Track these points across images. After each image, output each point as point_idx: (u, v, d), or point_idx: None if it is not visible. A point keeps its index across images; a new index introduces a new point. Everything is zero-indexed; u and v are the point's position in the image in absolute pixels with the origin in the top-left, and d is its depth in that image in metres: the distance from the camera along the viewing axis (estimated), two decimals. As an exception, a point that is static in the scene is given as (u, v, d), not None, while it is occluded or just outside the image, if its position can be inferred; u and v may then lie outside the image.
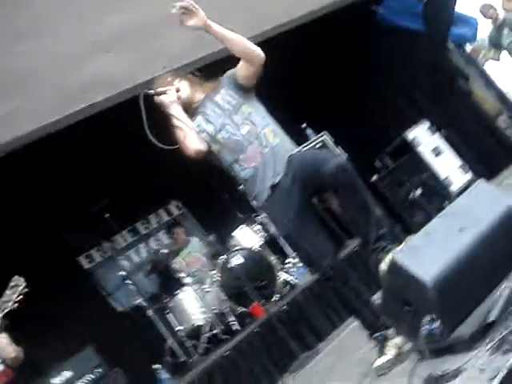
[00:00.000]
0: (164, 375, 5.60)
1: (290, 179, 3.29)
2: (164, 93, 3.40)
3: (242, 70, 3.40)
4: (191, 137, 3.34)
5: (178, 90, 3.45)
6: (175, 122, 3.37)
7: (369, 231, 3.14)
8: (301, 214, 3.29)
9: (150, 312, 6.07)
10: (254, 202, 3.57)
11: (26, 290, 3.44)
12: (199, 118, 3.45)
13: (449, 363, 2.25)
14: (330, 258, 3.28)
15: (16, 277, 3.50)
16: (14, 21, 4.23)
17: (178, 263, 6.65)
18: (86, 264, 7.44)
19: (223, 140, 3.36)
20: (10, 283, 3.46)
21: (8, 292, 3.42)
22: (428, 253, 2.46)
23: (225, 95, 3.44)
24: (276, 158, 3.32)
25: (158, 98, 3.40)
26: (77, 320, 6.40)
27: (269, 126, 3.40)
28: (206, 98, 3.49)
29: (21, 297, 3.40)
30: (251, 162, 3.34)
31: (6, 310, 3.38)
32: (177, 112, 3.39)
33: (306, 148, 6.76)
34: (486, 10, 7.54)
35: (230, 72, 3.48)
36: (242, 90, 3.44)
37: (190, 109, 3.48)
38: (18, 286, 3.45)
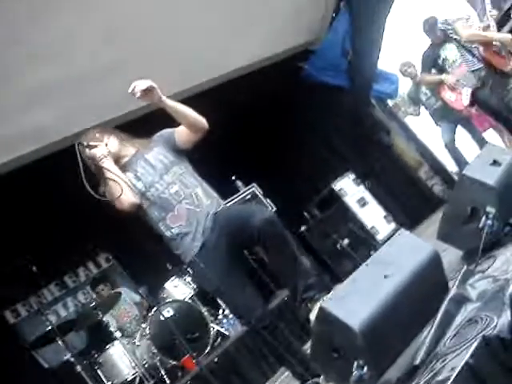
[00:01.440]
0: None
1: (216, 234, 3.35)
2: (95, 146, 3.42)
3: (182, 136, 3.50)
4: (125, 190, 3.33)
5: (106, 144, 3.49)
6: (108, 175, 3.37)
7: (297, 282, 3.21)
8: (228, 269, 3.35)
9: (78, 368, 5.90)
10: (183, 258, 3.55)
11: None
12: (129, 174, 3.48)
13: (378, 407, 2.32)
14: (259, 311, 3.34)
15: None
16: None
17: (107, 317, 6.52)
18: (11, 319, 7.20)
19: (152, 197, 3.41)
20: None
21: None
22: (355, 300, 2.54)
23: (157, 154, 3.50)
24: (204, 218, 3.38)
25: (89, 152, 3.41)
26: (2, 378, 6.16)
27: (199, 187, 3.47)
28: (136, 155, 3.55)
29: None
30: (178, 221, 3.39)
31: None
32: (109, 166, 3.40)
33: (235, 200, 6.88)
34: (404, 69, 7.90)
35: (165, 132, 3.57)
36: (177, 152, 3.52)
37: (119, 164, 3.51)
38: None
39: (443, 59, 6.95)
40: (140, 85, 3.26)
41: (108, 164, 3.41)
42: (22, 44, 4.36)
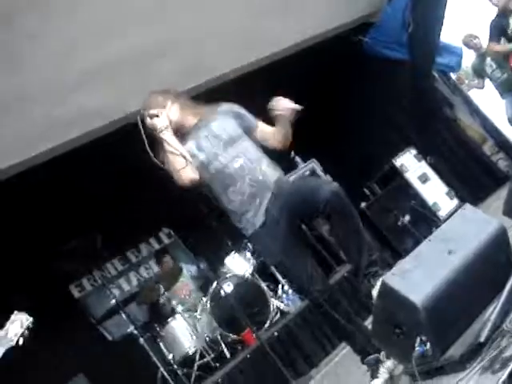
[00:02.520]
0: (156, 404, 5.58)
1: (278, 208, 3.30)
2: (156, 115, 3.33)
3: (263, 137, 3.52)
4: (183, 166, 3.25)
5: (168, 113, 3.39)
6: (167, 148, 3.28)
7: (360, 257, 3.17)
8: (290, 242, 3.31)
9: (141, 341, 6.05)
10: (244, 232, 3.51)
11: (31, 325, 3.29)
12: (190, 144, 3.38)
13: (441, 384, 2.29)
14: (320, 284, 3.31)
15: (18, 312, 3.33)
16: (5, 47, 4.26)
17: (169, 291, 6.63)
18: (76, 293, 7.42)
19: (215, 171, 3.33)
20: (12, 318, 3.28)
21: (10, 326, 3.25)
22: (418, 275, 2.50)
23: (224, 124, 3.42)
24: (267, 194, 3.33)
25: (150, 121, 3.32)
26: (68, 349, 6.36)
27: (264, 162, 3.40)
28: (199, 124, 3.46)
29: (26, 332, 3.24)
30: (240, 195, 3.32)
31: (9, 346, 3.22)
32: (169, 138, 3.30)
33: (293, 176, 6.85)
34: (469, 40, 7.67)
35: (244, 113, 3.52)
36: (248, 132, 3.48)
37: (180, 132, 3.41)
38: (23, 321, 3.26)
39: None
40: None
41: (168, 136, 3.30)
42: (72, 24, 4.39)
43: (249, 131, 3.49)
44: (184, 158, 3.28)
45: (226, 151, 3.34)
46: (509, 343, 2.11)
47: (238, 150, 3.36)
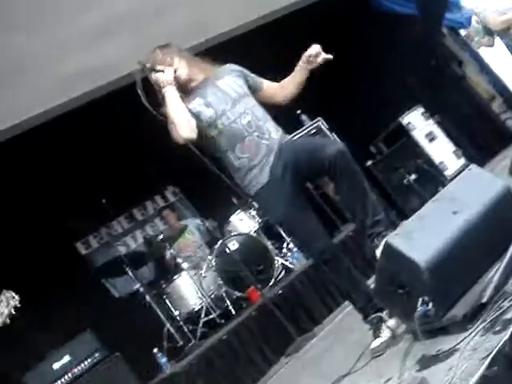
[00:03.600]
0: (163, 359, 5.65)
1: (283, 166, 3.29)
2: (161, 71, 3.31)
3: (271, 94, 3.54)
4: (182, 123, 3.25)
5: (175, 70, 3.37)
6: (169, 103, 3.28)
7: (365, 217, 3.16)
8: (293, 201, 3.31)
9: (147, 298, 6.11)
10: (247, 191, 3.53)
11: (18, 305, 3.23)
12: (198, 100, 3.37)
13: (442, 343, 2.29)
14: (323, 242, 3.32)
15: (6, 291, 3.29)
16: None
17: (174, 248, 6.67)
18: (83, 250, 7.48)
19: (222, 127, 3.32)
20: (1, 297, 3.24)
21: None
22: (422, 236, 2.50)
23: (231, 82, 3.41)
24: (273, 152, 3.33)
25: (154, 76, 3.31)
26: (75, 306, 6.44)
27: (269, 121, 3.41)
28: (206, 81, 3.45)
29: (13, 312, 3.18)
30: (246, 151, 3.32)
31: None
32: (171, 94, 3.29)
33: (300, 134, 6.82)
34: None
35: (248, 73, 3.52)
36: (254, 92, 3.48)
37: (187, 88, 3.41)
38: (9, 300, 3.21)
39: None
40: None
41: (170, 92, 3.30)
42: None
43: (255, 91, 3.49)
44: (184, 114, 3.28)
45: (234, 107, 3.34)
46: (511, 305, 2.11)
47: (246, 106, 3.36)
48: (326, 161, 3.09)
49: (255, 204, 6.52)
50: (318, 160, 3.16)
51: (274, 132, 3.38)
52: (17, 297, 3.20)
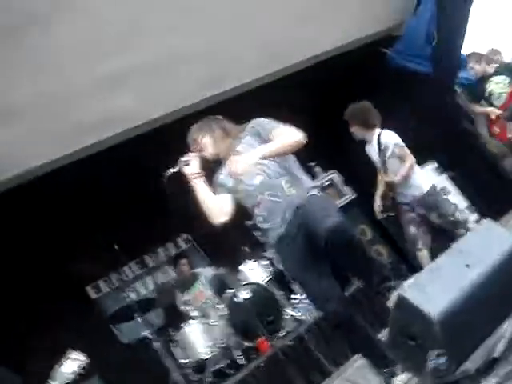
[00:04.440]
0: (169, 408, 5.60)
1: (296, 227, 3.36)
2: (187, 164, 3.54)
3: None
4: (213, 212, 3.52)
5: (201, 150, 3.60)
6: (197, 196, 3.53)
7: (372, 280, 3.22)
8: (305, 261, 3.35)
9: (155, 344, 6.07)
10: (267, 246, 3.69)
11: (86, 365, 3.43)
12: (223, 171, 3.61)
13: (455, 397, 2.29)
14: (337, 303, 3.31)
15: (74, 352, 3.49)
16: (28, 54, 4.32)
17: (184, 296, 6.66)
18: (93, 294, 7.47)
19: (242, 191, 3.51)
20: (69, 355, 3.45)
21: (67, 363, 3.40)
22: (434, 288, 2.51)
23: (247, 144, 3.53)
24: (289, 209, 3.39)
25: (182, 169, 3.56)
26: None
27: (285, 177, 3.46)
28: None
29: (82, 372, 3.39)
30: (261, 211, 3.45)
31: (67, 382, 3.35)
32: (198, 187, 3.54)
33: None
34: (491, 56, 7.64)
35: (260, 125, 3.60)
36: (264, 141, 3.53)
37: (214, 160, 3.66)
38: (78, 360, 3.43)
39: None
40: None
41: (197, 185, 3.55)
42: (100, 28, 4.47)
43: (265, 140, 3.54)
44: (213, 204, 3.54)
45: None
46: (524, 359, 2.11)
47: (259, 167, 3.43)
48: (322, 240, 3.11)
49: (267, 254, 6.55)
50: (316, 236, 3.18)
51: (287, 189, 3.42)
52: (86, 360, 3.43)
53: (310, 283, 3.37)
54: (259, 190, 3.43)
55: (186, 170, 3.54)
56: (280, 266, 5.77)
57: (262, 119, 3.62)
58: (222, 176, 3.62)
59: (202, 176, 3.56)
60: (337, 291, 3.40)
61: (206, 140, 3.64)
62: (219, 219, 3.53)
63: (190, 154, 3.60)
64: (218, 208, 3.53)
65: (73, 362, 3.36)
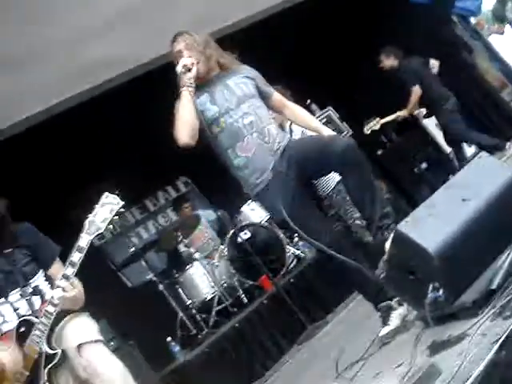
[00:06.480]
0: (176, 348, 5.71)
1: (286, 164, 3.31)
2: (188, 69, 3.32)
3: (276, 107, 3.59)
4: (184, 127, 3.27)
5: (198, 62, 3.39)
6: (180, 104, 3.31)
7: (374, 211, 3.20)
8: (297, 198, 3.31)
9: (160, 287, 6.16)
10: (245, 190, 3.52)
11: (122, 210, 3.10)
12: (205, 97, 3.40)
13: (452, 329, 2.32)
14: (329, 236, 3.31)
15: (109, 194, 3.11)
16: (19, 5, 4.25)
17: (187, 238, 6.70)
18: (96, 241, 7.50)
19: (224, 124, 3.34)
20: (102, 200, 3.08)
21: (100, 210, 3.05)
22: (431, 223, 2.52)
23: (240, 81, 3.44)
24: (275, 154, 3.33)
25: (179, 71, 3.34)
26: (89, 296, 6.48)
27: (273, 124, 3.44)
28: (216, 78, 3.48)
29: (116, 218, 3.05)
30: (245, 151, 3.33)
31: (100, 231, 3.06)
32: (186, 97, 3.30)
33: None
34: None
35: (262, 82, 3.55)
36: (262, 97, 3.49)
37: (199, 81, 3.40)
38: (113, 204, 3.06)
39: None
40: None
41: (185, 95, 3.30)
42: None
43: (263, 97, 3.51)
44: (190, 120, 3.29)
45: (239, 107, 3.36)
46: (520, 291, 2.14)
47: (250, 107, 3.37)
48: (334, 157, 3.12)
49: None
50: (325, 157, 3.19)
51: (276, 134, 3.39)
52: (122, 202, 3.08)
53: (302, 221, 3.29)
54: (248, 130, 3.32)
55: (184, 77, 3.32)
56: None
57: (260, 75, 3.56)
58: (206, 102, 3.39)
59: (194, 89, 3.34)
60: (329, 227, 3.51)
61: (202, 56, 3.43)
62: (187, 140, 3.28)
63: (193, 59, 3.37)
64: (191, 129, 3.29)
65: (104, 208, 3.03)
